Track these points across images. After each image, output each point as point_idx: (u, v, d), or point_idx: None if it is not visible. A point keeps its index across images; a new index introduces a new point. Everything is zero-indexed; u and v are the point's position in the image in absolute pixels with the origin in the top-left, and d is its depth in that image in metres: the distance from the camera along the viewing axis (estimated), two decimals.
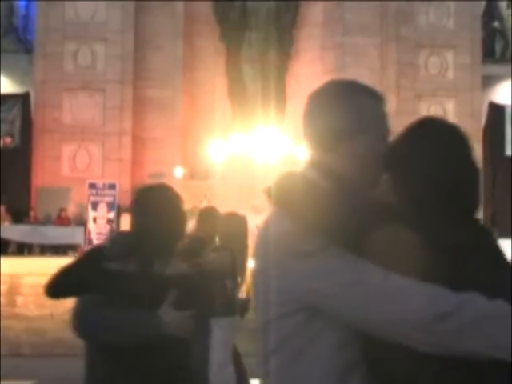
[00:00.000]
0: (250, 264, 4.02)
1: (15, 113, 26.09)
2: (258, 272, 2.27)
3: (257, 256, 2.28)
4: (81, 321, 3.58)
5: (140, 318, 3.47)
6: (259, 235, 2.29)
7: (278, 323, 2.17)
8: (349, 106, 2.22)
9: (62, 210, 24.15)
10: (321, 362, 2.14)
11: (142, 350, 3.46)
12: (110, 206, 23.69)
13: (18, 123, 26.06)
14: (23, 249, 23.18)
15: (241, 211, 8.46)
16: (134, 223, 3.60)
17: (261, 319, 2.26)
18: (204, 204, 19.18)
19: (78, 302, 3.63)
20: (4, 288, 16.16)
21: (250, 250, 7.18)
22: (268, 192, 2.23)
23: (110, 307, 3.47)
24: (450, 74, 25.68)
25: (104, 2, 25.62)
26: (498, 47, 28.22)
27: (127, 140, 25.60)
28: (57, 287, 3.64)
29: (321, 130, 2.23)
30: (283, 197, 2.16)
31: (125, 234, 3.90)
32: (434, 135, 2.21)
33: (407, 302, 2.03)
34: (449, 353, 2.02)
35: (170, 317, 3.47)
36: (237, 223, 7.80)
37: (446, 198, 2.15)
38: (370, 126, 2.23)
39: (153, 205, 3.51)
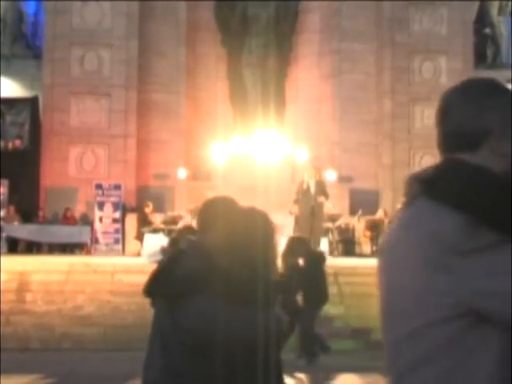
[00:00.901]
0: None
1: (24, 116, 26.48)
2: (393, 277, 2.04)
3: (393, 259, 2.05)
4: (205, 320, 3.49)
5: (264, 313, 3.53)
6: (397, 234, 2.06)
7: (427, 332, 1.92)
8: (496, 103, 2.06)
9: (67, 209, 24.50)
10: (479, 377, 1.88)
11: (252, 345, 3.49)
12: (116, 206, 24.05)
13: (27, 126, 26.46)
14: (32, 247, 23.51)
15: None
16: (233, 233, 3.72)
17: (396, 330, 2.00)
18: None
19: (194, 303, 3.53)
20: (14, 285, 16.33)
21: None
22: (416, 183, 2.04)
23: (231, 305, 3.50)
24: (443, 79, 25.65)
25: (110, 10, 25.94)
26: (490, 52, 28.41)
27: (132, 142, 25.91)
28: (156, 287, 3.72)
29: (464, 128, 2.05)
30: (445, 189, 1.95)
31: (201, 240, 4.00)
32: None
33: None
34: None
35: (283, 314, 3.72)
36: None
37: None
38: None
39: (255, 221, 3.82)
